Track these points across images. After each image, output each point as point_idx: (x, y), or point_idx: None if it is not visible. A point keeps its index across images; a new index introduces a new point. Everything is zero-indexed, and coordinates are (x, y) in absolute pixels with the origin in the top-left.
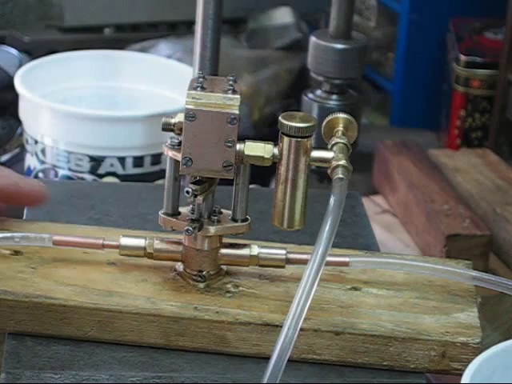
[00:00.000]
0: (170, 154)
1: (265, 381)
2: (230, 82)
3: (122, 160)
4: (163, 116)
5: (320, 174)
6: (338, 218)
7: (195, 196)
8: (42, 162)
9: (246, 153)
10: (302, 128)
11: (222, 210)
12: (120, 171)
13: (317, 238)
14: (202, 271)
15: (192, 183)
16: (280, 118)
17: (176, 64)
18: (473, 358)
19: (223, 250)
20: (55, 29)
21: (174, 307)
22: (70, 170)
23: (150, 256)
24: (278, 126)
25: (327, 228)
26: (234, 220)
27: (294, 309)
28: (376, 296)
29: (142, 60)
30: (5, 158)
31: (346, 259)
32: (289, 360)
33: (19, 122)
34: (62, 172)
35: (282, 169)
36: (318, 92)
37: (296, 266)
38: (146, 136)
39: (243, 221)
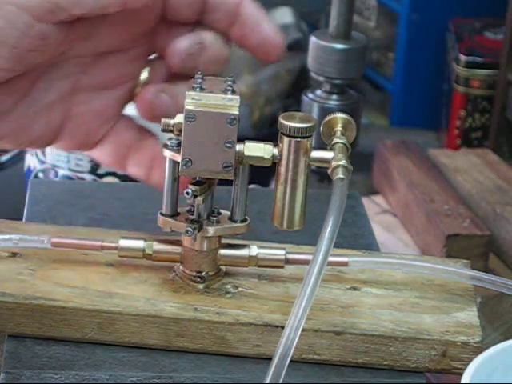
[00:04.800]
0: (168, 154)
1: (267, 381)
2: (229, 83)
3: None
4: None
5: (320, 174)
6: (339, 218)
7: (195, 197)
8: (42, 162)
9: (245, 153)
10: (301, 128)
11: (221, 211)
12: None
13: (318, 238)
14: (201, 272)
15: (192, 184)
16: (280, 118)
17: None
18: (473, 358)
19: (222, 251)
20: None
21: (174, 308)
22: (69, 169)
23: (149, 257)
24: (278, 127)
25: (328, 229)
26: (233, 220)
27: (296, 309)
28: (375, 296)
29: None
30: (5, 158)
31: (345, 259)
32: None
33: None
34: (61, 172)
35: (282, 169)
36: (318, 92)
37: (295, 267)
38: None
39: (242, 221)
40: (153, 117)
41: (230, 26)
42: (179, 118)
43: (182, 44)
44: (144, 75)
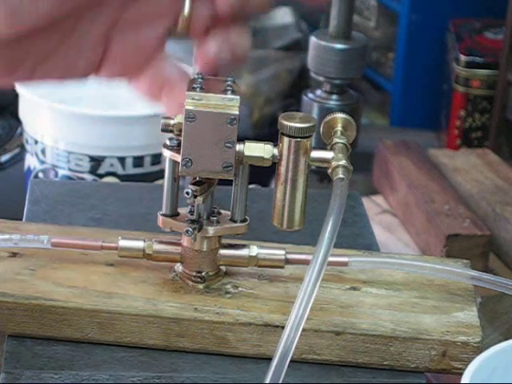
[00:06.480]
0: (168, 154)
1: (267, 381)
2: (229, 83)
3: (121, 160)
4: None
5: (320, 174)
6: (339, 218)
7: (195, 197)
8: (42, 162)
9: (245, 153)
10: (301, 128)
11: (221, 211)
12: (120, 171)
13: (318, 238)
14: (201, 272)
15: (192, 184)
16: (280, 118)
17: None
18: (473, 358)
19: (222, 251)
20: None
21: (174, 308)
22: (70, 169)
23: (149, 257)
24: (278, 127)
25: (328, 229)
26: (233, 220)
27: (296, 309)
28: (375, 296)
29: None
30: (5, 157)
31: (345, 259)
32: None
33: (19, 122)
34: (61, 172)
35: (282, 169)
36: (318, 92)
37: (295, 267)
38: (146, 136)
39: (242, 221)
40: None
41: None
42: (179, 118)
43: None
44: (186, 10)
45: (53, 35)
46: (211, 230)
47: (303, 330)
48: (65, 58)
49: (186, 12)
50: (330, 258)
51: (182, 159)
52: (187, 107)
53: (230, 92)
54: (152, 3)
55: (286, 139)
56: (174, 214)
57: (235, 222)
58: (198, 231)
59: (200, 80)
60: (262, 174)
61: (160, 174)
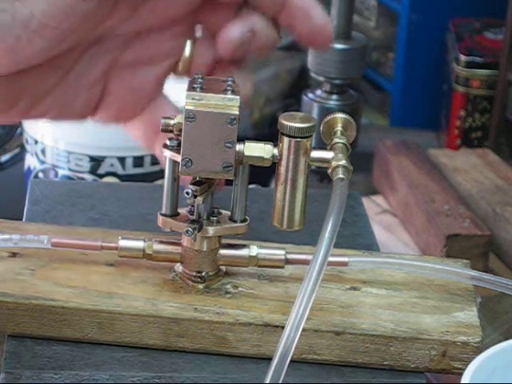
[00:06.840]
0: (168, 154)
1: (267, 381)
2: (229, 83)
3: (121, 160)
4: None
5: (320, 174)
6: (339, 218)
7: (195, 197)
8: (42, 162)
9: (245, 153)
10: (302, 128)
11: (221, 211)
12: (120, 171)
13: (318, 238)
14: (201, 272)
15: (192, 184)
16: (280, 118)
17: None
18: (473, 358)
19: (222, 251)
20: None
21: (174, 308)
22: (70, 169)
23: (149, 257)
24: (278, 127)
25: (328, 229)
26: (233, 220)
27: (296, 309)
28: (375, 296)
29: None
30: (5, 157)
31: (345, 259)
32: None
33: (19, 122)
34: (61, 172)
35: (282, 169)
36: (318, 92)
37: (295, 267)
38: None
39: (242, 221)
40: (233, 55)
41: (277, 13)
42: (179, 118)
43: (234, 32)
44: (187, 52)
45: (50, 73)
46: (211, 230)
47: (303, 330)
48: (62, 97)
49: (188, 54)
50: (330, 258)
51: (182, 159)
52: (187, 107)
53: (230, 92)
54: (153, 44)
55: (286, 139)
56: (173, 214)
57: (235, 221)
58: (198, 231)
59: (200, 80)
60: (262, 173)
61: (160, 174)
